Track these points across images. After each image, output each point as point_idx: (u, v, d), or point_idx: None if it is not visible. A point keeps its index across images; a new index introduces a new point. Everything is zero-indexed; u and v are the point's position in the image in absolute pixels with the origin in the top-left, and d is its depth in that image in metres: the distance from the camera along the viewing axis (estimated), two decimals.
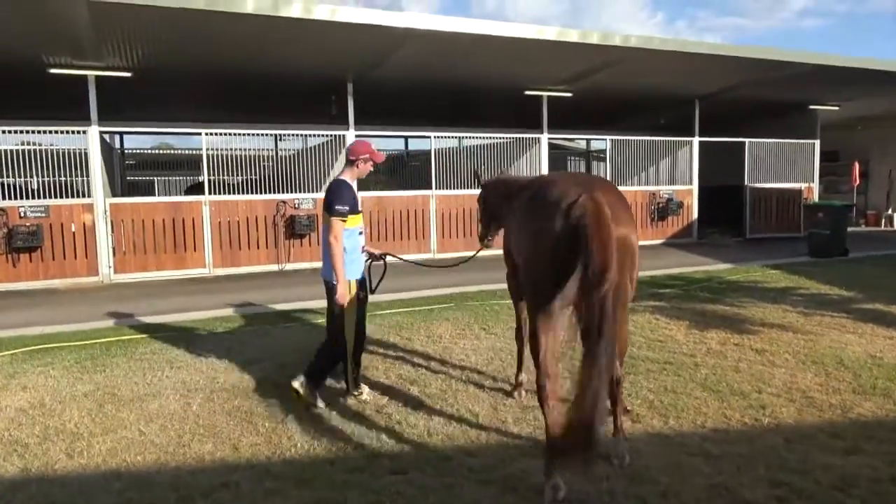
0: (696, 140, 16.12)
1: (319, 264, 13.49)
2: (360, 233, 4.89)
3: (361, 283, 4.88)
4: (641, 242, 15.28)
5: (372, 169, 4.91)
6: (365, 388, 5.00)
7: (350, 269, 4.73)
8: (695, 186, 16.19)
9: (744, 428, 4.29)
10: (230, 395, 5.11)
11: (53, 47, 9.94)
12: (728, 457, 3.86)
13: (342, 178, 4.78)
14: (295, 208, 12.44)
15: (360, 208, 4.84)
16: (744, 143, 16.38)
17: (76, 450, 4.12)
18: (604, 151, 21.01)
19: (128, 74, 11.21)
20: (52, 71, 10.72)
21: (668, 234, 15.77)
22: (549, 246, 3.36)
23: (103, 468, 3.89)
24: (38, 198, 11.02)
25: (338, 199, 4.59)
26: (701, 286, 9.38)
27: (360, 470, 3.77)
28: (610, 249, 3.14)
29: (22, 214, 10.58)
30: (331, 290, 4.73)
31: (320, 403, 4.71)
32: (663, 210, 15.55)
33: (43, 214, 10.73)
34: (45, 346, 6.65)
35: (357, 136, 13.20)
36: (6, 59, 10.28)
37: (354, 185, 4.82)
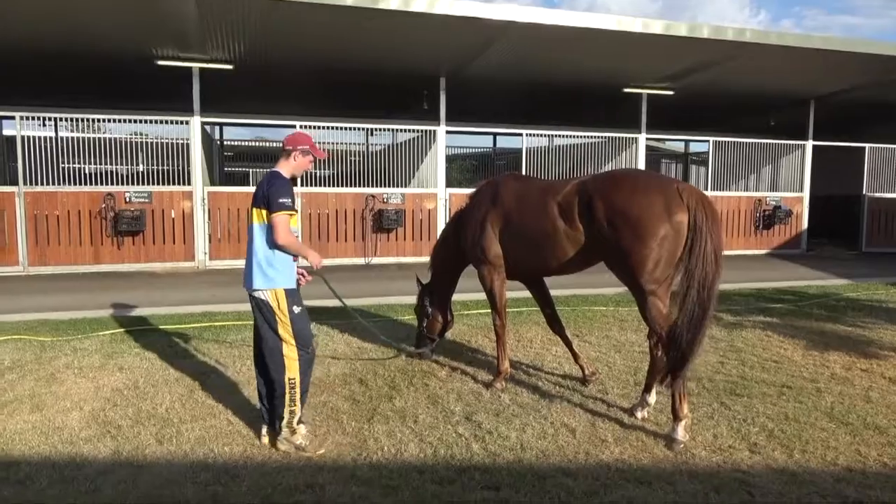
0: (809, 144, 14.94)
1: (407, 259, 13.51)
2: (296, 235, 4.08)
3: (293, 295, 3.98)
4: (743, 252, 14.35)
5: (310, 166, 4.23)
6: (300, 430, 3.99)
7: (282, 277, 3.94)
8: (806, 194, 15.01)
9: (884, 469, 3.74)
10: (316, 389, 5.00)
11: (162, 40, 10.32)
12: (868, 502, 3.35)
13: (277, 170, 4.07)
14: (384, 202, 12.42)
15: (296, 207, 4.03)
16: (864, 148, 15.04)
17: (166, 436, 4.11)
18: (702, 154, 19.99)
19: (229, 67, 11.51)
20: (160, 63, 11.14)
21: (773, 245, 14.71)
22: (683, 233, 3.94)
23: (191, 457, 3.84)
24: (143, 184, 11.51)
25: (278, 192, 3.85)
26: (816, 302, 8.58)
27: (449, 481, 3.52)
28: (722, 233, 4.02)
29: (127, 199, 11.07)
30: (260, 305, 3.95)
31: (299, 440, 3.95)
32: (769, 218, 14.51)
33: (146, 200, 11.19)
34: (142, 327, 6.83)
35: (447, 131, 13.05)
36: (118, 52, 10.78)
37: (289, 180, 4.08)
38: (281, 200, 3.84)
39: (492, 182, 5.25)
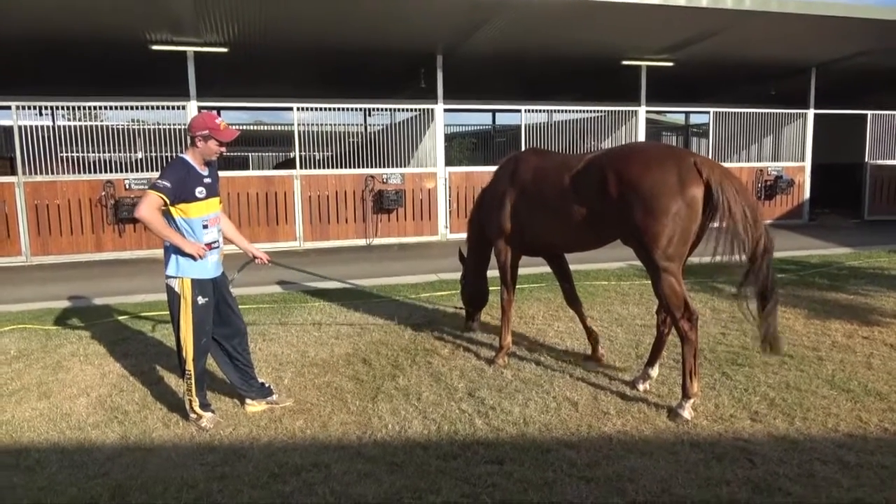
0: (810, 112, 14.80)
1: (408, 239, 13.51)
2: (205, 226, 4.01)
3: (202, 286, 4.01)
4: None
5: (222, 149, 3.96)
6: (206, 416, 4.07)
7: (188, 265, 3.94)
8: (807, 163, 14.92)
9: (885, 435, 3.78)
10: (320, 370, 5.05)
11: (155, 24, 10.21)
12: (868, 467, 3.39)
13: (182, 155, 4.01)
14: (383, 183, 12.40)
15: (199, 195, 3.92)
16: (866, 115, 14.91)
17: (172, 419, 4.16)
18: (702, 125, 19.85)
19: (224, 50, 11.41)
20: (154, 47, 11.05)
21: (775, 215, 14.65)
22: (696, 208, 3.85)
23: (198, 439, 3.89)
24: (142, 171, 11.49)
25: (162, 174, 3.85)
26: (818, 271, 8.58)
27: (453, 457, 3.57)
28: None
29: (127, 187, 11.05)
30: (168, 291, 4.05)
31: (204, 423, 4.04)
32: (771, 188, 14.44)
33: (145, 187, 11.15)
34: (147, 313, 6.87)
35: (446, 110, 12.95)
36: (112, 36, 10.66)
37: (197, 166, 3.94)
38: (155, 181, 3.82)
39: (512, 157, 5.24)
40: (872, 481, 3.25)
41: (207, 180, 4.00)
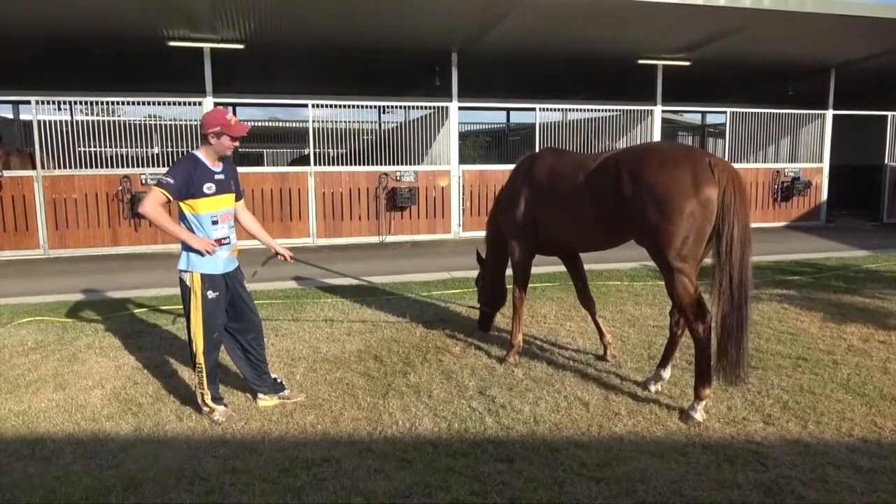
0: (829, 113, 14.63)
1: (421, 236, 13.54)
2: (215, 221, 4.02)
3: (212, 280, 4.03)
4: (761, 224, 14.17)
5: (235, 144, 4.01)
6: (219, 408, 4.11)
7: (198, 259, 3.98)
8: (825, 164, 14.75)
9: None
10: (332, 366, 5.08)
11: (172, 20, 10.30)
12: (883, 472, 3.35)
13: (193, 152, 4.06)
14: (397, 180, 12.42)
15: (208, 191, 3.94)
16: (886, 116, 14.71)
17: (185, 412, 4.19)
18: (719, 125, 19.69)
19: (240, 47, 11.48)
20: (171, 44, 11.14)
21: (791, 217, 14.51)
22: (711, 209, 3.79)
23: (210, 432, 3.92)
24: (158, 166, 11.59)
25: (168, 171, 3.89)
26: (834, 274, 8.48)
27: (463, 454, 3.57)
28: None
29: (143, 181, 11.15)
30: (181, 285, 4.10)
31: (216, 416, 4.07)
32: (788, 190, 14.28)
33: None
34: (161, 307, 6.93)
35: (460, 108, 12.94)
36: (130, 33, 10.76)
37: (209, 163, 3.98)
38: (160, 178, 3.88)
39: (529, 156, 5.24)
40: (887, 486, 3.21)
41: (219, 177, 4.02)
